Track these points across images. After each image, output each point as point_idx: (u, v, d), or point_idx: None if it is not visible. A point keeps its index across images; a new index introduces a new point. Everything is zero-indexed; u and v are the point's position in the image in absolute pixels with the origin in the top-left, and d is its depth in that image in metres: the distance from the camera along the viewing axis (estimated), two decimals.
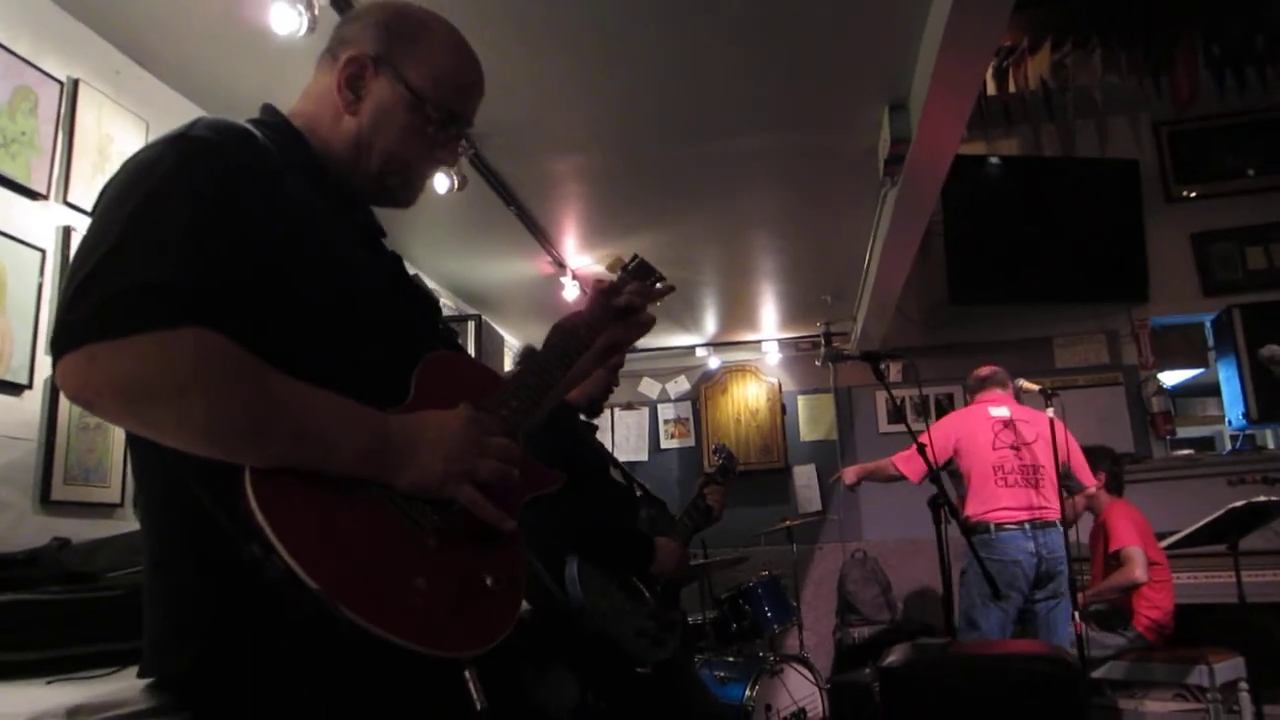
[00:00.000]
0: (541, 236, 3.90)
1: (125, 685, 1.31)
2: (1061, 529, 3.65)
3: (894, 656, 1.89)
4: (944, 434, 3.94)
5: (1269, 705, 3.71)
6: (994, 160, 5.61)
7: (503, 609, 1.04)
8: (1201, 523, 3.39)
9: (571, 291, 4.33)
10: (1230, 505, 3.29)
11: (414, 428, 1.03)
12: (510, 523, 1.09)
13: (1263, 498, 3.33)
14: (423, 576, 0.97)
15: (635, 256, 1.57)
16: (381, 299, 1.17)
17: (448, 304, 4.41)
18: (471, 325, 3.69)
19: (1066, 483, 3.81)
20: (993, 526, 3.68)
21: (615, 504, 2.50)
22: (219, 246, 0.95)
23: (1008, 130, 5.88)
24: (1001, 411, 3.92)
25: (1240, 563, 3.57)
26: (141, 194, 0.97)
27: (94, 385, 0.89)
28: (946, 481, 3.35)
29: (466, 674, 0.96)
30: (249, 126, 1.11)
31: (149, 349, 0.88)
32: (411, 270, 1.38)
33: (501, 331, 4.55)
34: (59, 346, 0.89)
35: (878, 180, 3.20)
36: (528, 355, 2.78)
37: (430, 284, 4.37)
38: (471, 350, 3.63)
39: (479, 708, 0.95)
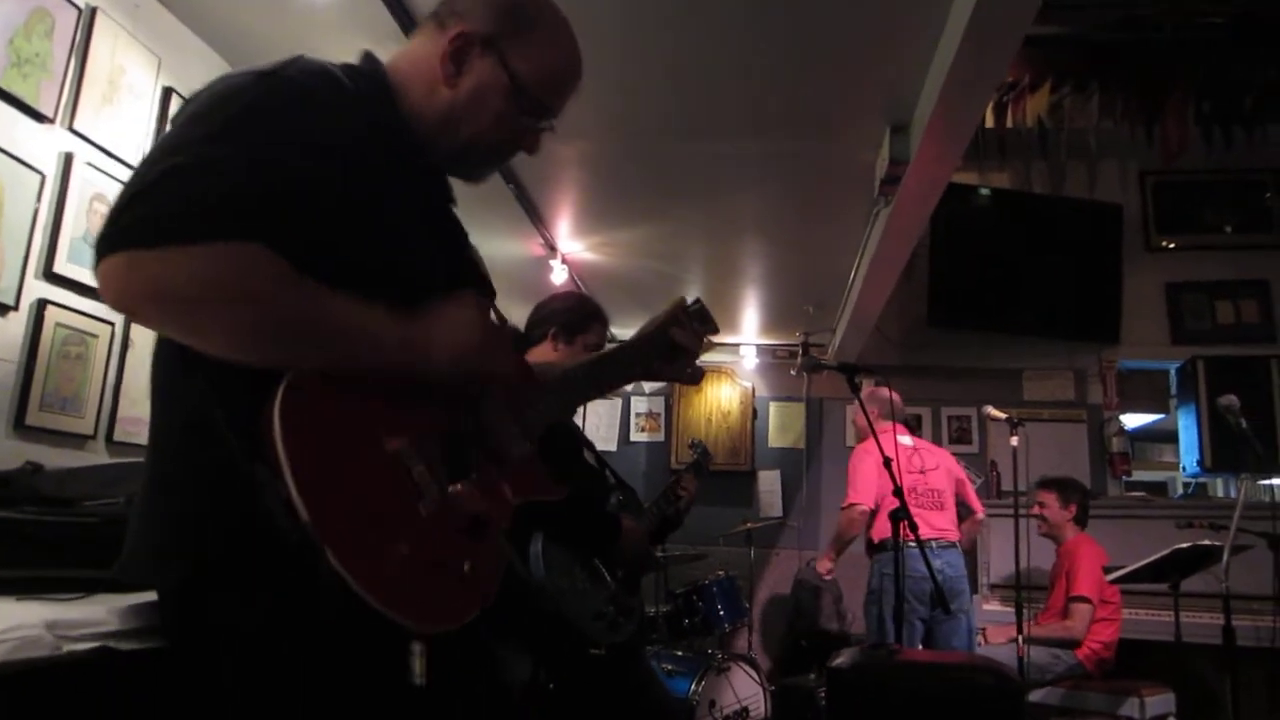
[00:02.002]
0: (536, 218, 3.93)
1: (98, 609, 1.33)
2: (960, 549, 3.96)
3: (842, 659, 1.95)
4: (871, 462, 4.04)
5: None
6: (984, 191, 5.71)
7: (468, 599, 1.05)
8: (1149, 560, 3.49)
9: (560, 275, 4.36)
10: (1176, 546, 3.39)
11: (437, 319, 1.07)
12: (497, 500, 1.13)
13: (1207, 542, 3.43)
14: (408, 543, 0.99)
15: (697, 300, 1.56)
16: (428, 267, 1.18)
17: None
18: None
19: (960, 509, 4.17)
20: (898, 547, 3.84)
21: (586, 485, 2.53)
22: (277, 184, 0.97)
23: (1001, 163, 5.98)
24: (906, 440, 4.13)
25: (1180, 603, 3.68)
26: (220, 119, 0.99)
27: (135, 291, 0.91)
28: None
29: (415, 647, 0.97)
30: (340, 75, 1.12)
31: (195, 257, 0.90)
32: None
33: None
34: (103, 249, 0.90)
35: (871, 198, 3.26)
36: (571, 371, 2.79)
37: None
38: None
39: (417, 682, 0.97)
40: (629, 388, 6.22)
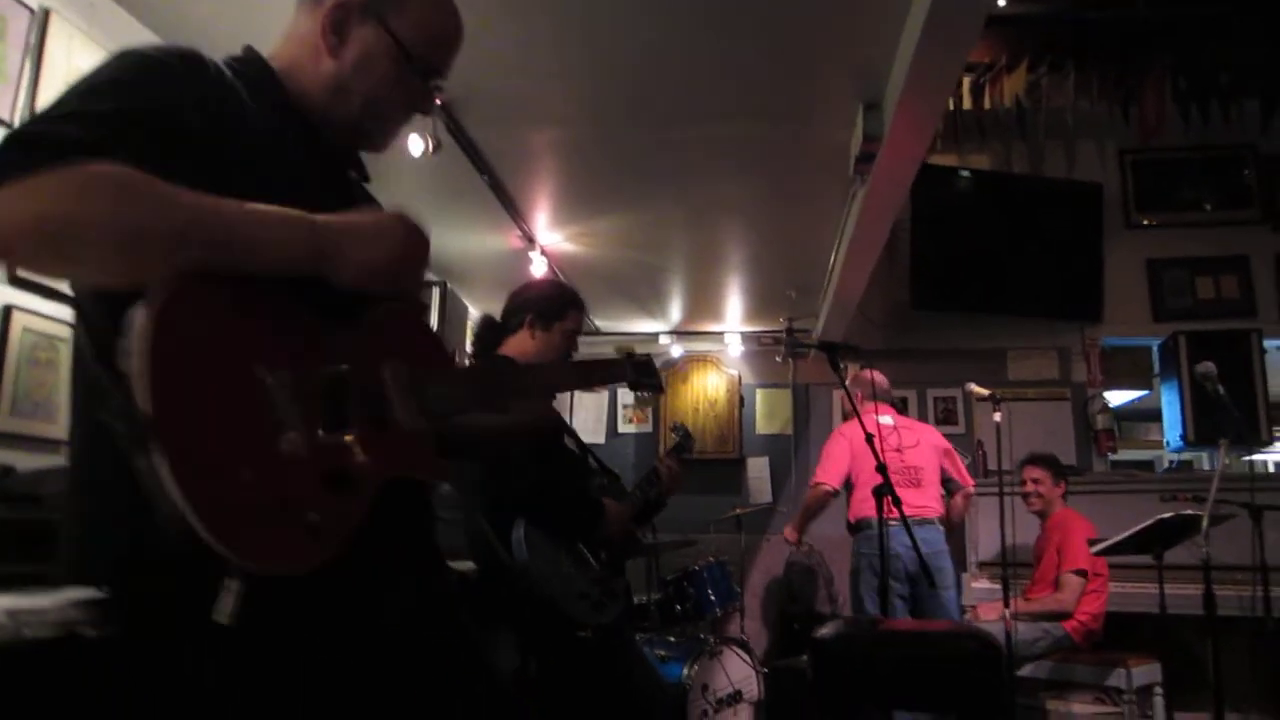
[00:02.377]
0: (512, 209, 3.93)
1: (63, 599, 1.33)
2: (939, 526, 3.97)
3: (826, 630, 1.96)
4: (845, 443, 4.27)
5: (1180, 711, 3.86)
6: (964, 173, 5.73)
7: (307, 551, 0.99)
8: (1133, 530, 3.52)
9: (539, 267, 4.36)
10: (1159, 515, 3.42)
11: (353, 220, 1.05)
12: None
13: (1190, 511, 3.45)
14: (253, 473, 0.95)
15: (647, 356, 1.73)
16: None
17: None
18: (436, 291, 3.70)
19: (948, 485, 4.15)
20: (875, 523, 3.86)
21: (568, 470, 2.54)
22: (134, 133, 0.97)
23: (980, 145, 6.01)
24: (887, 420, 4.14)
25: (1164, 575, 3.71)
26: (83, 83, 1.01)
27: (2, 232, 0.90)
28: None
29: (229, 583, 0.91)
30: (220, 64, 1.14)
31: (49, 183, 0.89)
32: None
33: (466, 301, 4.57)
34: None
35: (848, 178, 3.27)
36: (488, 331, 2.79)
37: None
38: (434, 317, 3.64)
39: (222, 621, 0.91)
40: None
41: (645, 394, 1.75)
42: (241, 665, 1.04)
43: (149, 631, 1.02)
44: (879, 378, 4.33)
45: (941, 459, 4.15)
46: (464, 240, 4.31)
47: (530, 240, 4.29)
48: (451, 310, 3.91)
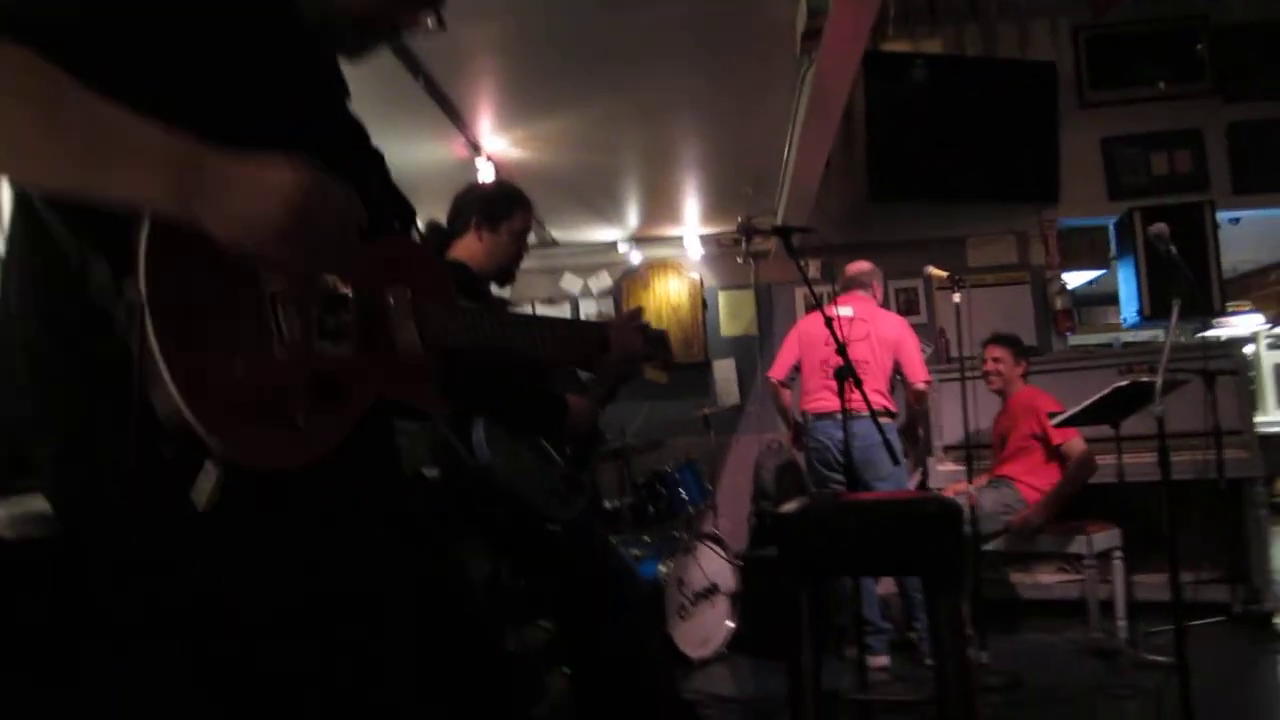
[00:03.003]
0: (454, 114, 3.81)
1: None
2: (877, 419, 3.78)
3: (789, 506, 1.98)
4: (795, 336, 4.28)
5: (1138, 574, 4.01)
6: (917, 60, 5.63)
7: (290, 451, 1.00)
8: (1091, 400, 3.59)
9: (487, 176, 4.25)
10: (1116, 384, 3.48)
11: (240, 166, 0.94)
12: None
13: (1145, 378, 3.52)
14: (246, 368, 0.96)
15: (661, 331, 1.80)
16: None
17: None
18: None
19: (900, 378, 4.07)
20: (810, 415, 3.91)
21: (525, 370, 2.51)
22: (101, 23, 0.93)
23: (932, 30, 5.90)
24: (845, 311, 4.08)
25: (1122, 445, 3.81)
26: None
27: None
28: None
29: (209, 466, 0.91)
30: None
31: None
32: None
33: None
34: None
35: (795, 59, 3.20)
36: (435, 235, 2.72)
37: None
38: None
39: (198, 504, 0.91)
40: (575, 290, 6.18)
41: (657, 365, 1.79)
42: (204, 556, 1.02)
43: (115, 523, 1.00)
44: (852, 266, 4.29)
45: (894, 352, 4.01)
46: (405, 152, 4.17)
47: (476, 148, 4.18)
48: None
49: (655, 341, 1.75)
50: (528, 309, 6.15)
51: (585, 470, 2.48)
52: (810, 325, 4.21)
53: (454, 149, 4.20)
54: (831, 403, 3.88)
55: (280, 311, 1.00)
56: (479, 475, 2.26)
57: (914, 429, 4.38)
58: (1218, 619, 4.19)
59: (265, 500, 1.00)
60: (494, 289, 2.63)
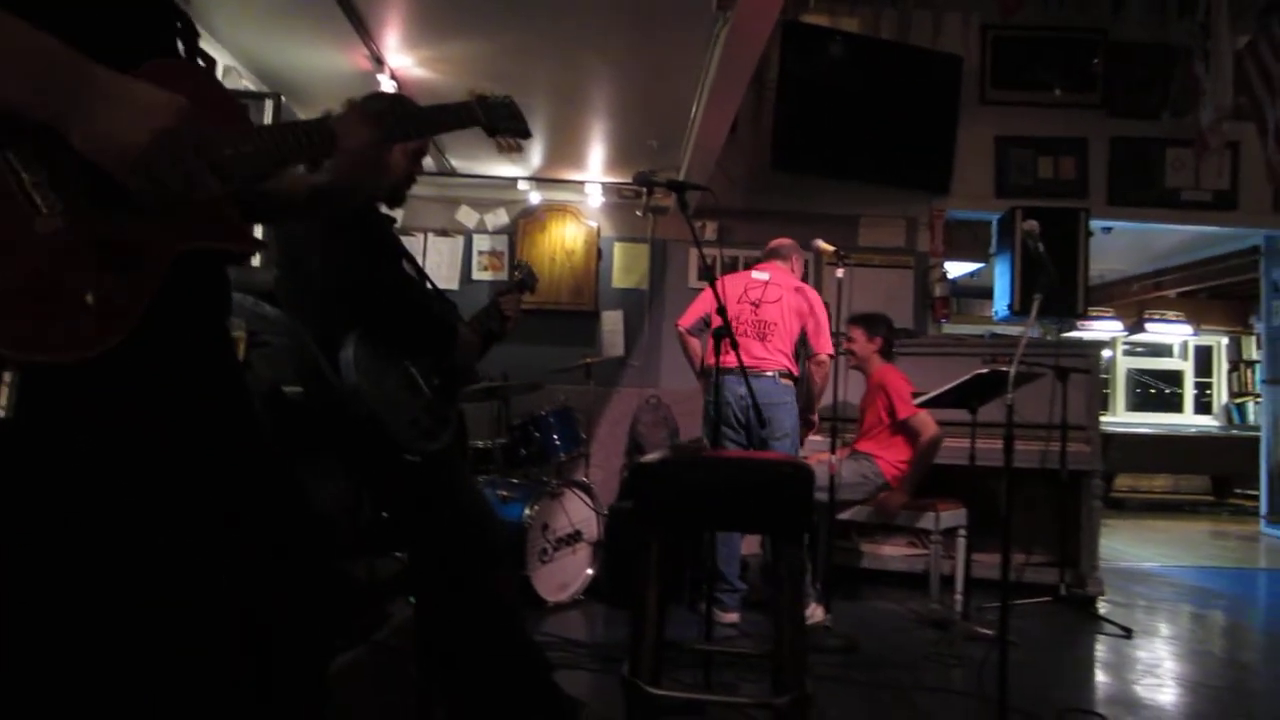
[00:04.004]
0: (359, 24, 3.64)
1: None
2: (780, 380, 3.97)
3: (650, 456, 2.00)
4: (709, 291, 4.19)
5: (978, 553, 4.24)
6: (835, 36, 5.69)
7: (83, 336, 0.94)
8: (951, 384, 3.74)
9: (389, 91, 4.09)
10: (976, 371, 3.64)
11: (126, 85, 0.93)
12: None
13: (1005, 368, 3.69)
14: (4, 256, 0.89)
15: (506, 97, 1.58)
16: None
17: (246, 83, 4.05)
18: (269, 104, 3.42)
19: (803, 348, 4.14)
20: (715, 371, 3.98)
21: (409, 290, 2.45)
22: None
23: (851, 8, 5.98)
24: (762, 275, 4.19)
25: (976, 430, 4.00)
26: None
27: None
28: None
29: (4, 375, 0.88)
30: None
31: None
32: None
33: (304, 118, 4.28)
34: None
35: (712, 15, 3.18)
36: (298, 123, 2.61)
37: (228, 59, 4.00)
38: None
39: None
40: (470, 224, 6.05)
41: (510, 140, 1.63)
42: (22, 456, 0.97)
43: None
44: (776, 240, 4.38)
45: (803, 320, 4.08)
46: (304, 55, 3.97)
47: (379, 61, 4.01)
48: None
49: (496, 110, 1.59)
50: (419, 239, 6.00)
51: (452, 405, 2.44)
52: (726, 284, 4.25)
53: (356, 59, 4.02)
54: (733, 359, 3.95)
55: (28, 182, 0.91)
56: (342, 397, 2.20)
57: (810, 399, 4.47)
58: (1045, 599, 4.49)
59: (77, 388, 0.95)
60: (383, 209, 2.55)
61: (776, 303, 4.08)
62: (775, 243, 4.37)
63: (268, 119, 3.41)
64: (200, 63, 1.29)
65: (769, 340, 4.03)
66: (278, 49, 3.92)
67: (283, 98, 3.77)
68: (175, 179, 0.98)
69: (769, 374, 3.98)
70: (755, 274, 4.22)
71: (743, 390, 3.90)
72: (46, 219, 0.91)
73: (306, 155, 1.25)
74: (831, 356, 4.16)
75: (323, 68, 4.07)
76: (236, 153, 1.11)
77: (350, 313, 2.24)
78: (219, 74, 3.96)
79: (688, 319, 4.19)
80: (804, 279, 4.41)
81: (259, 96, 3.52)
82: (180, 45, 1.21)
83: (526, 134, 1.63)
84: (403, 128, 1.42)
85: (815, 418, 4.35)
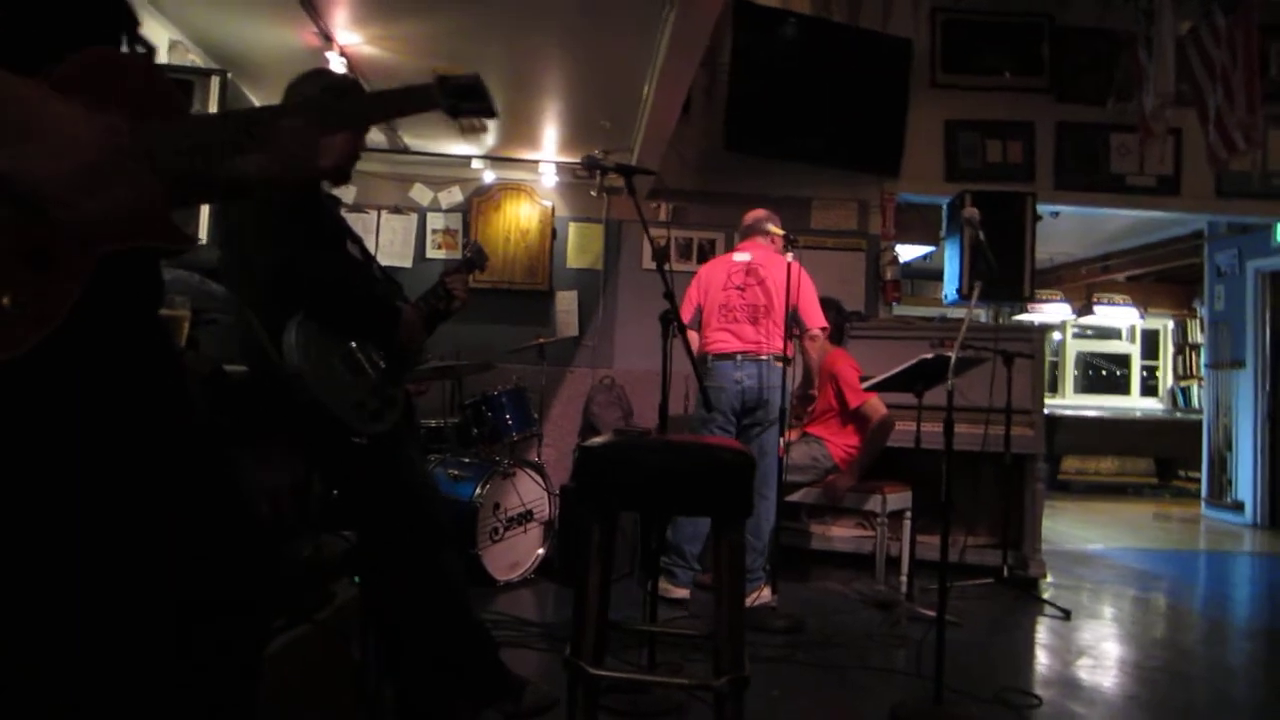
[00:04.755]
0: (306, 1, 3.57)
1: None
2: (774, 363, 3.96)
3: (596, 439, 2.01)
4: (697, 280, 4.27)
5: (923, 535, 4.34)
6: (789, 18, 5.70)
7: (4, 335, 0.92)
8: (897, 369, 3.80)
9: (338, 69, 4.03)
10: (921, 357, 3.70)
11: (43, 114, 0.90)
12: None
13: (948, 354, 3.75)
14: None
15: (472, 76, 1.44)
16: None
17: (193, 58, 3.97)
18: (215, 82, 3.34)
19: (795, 325, 4.11)
20: (710, 357, 4.02)
21: (353, 271, 2.43)
22: None
23: None
24: (744, 257, 4.17)
25: (922, 414, 4.07)
26: None
27: None
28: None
29: None
30: None
31: None
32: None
33: (252, 97, 4.19)
34: None
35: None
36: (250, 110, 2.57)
37: (175, 33, 3.91)
38: (213, 108, 3.32)
39: None
40: (424, 202, 5.99)
41: (473, 121, 1.57)
42: None
43: None
44: (749, 214, 4.29)
45: (793, 298, 3.99)
46: (251, 31, 3.89)
47: (328, 38, 3.94)
48: (233, 105, 3.57)
49: (459, 91, 1.56)
50: (373, 216, 5.93)
51: (398, 386, 2.43)
52: (710, 270, 4.24)
53: (304, 37, 3.94)
54: (731, 344, 4.01)
55: None
56: (286, 380, 2.18)
57: (809, 375, 4.49)
58: (988, 580, 4.59)
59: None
60: (328, 187, 2.51)
61: (762, 284, 4.05)
62: (750, 218, 4.29)
63: (214, 96, 3.34)
64: (139, 49, 1.26)
65: (760, 323, 4.01)
66: (225, 25, 3.84)
67: (229, 75, 3.68)
68: (93, 209, 0.96)
69: (764, 357, 3.97)
70: (736, 256, 4.20)
71: (739, 375, 3.93)
72: None
73: (243, 151, 1.22)
74: (824, 330, 4.15)
75: (270, 45, 3.99)
76: (175, 151, 1.09)
77: (292, 297, 2.22)
78: (164, 48, 3.87)
79: (686, 315, 4.07)
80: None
81: (205, 73, 3.44)
82: (118, 32, 1.19)
83: (492, 113, 1.57)
84: (351, 119, 1.38)
85: (814, 392, 4.42)
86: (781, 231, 4.01)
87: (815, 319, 4.11)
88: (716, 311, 4.10)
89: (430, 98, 1.43)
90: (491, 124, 5.29)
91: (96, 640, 1.14)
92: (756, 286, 4.06)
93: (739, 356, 3.98)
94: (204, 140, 1.15)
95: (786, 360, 3.96)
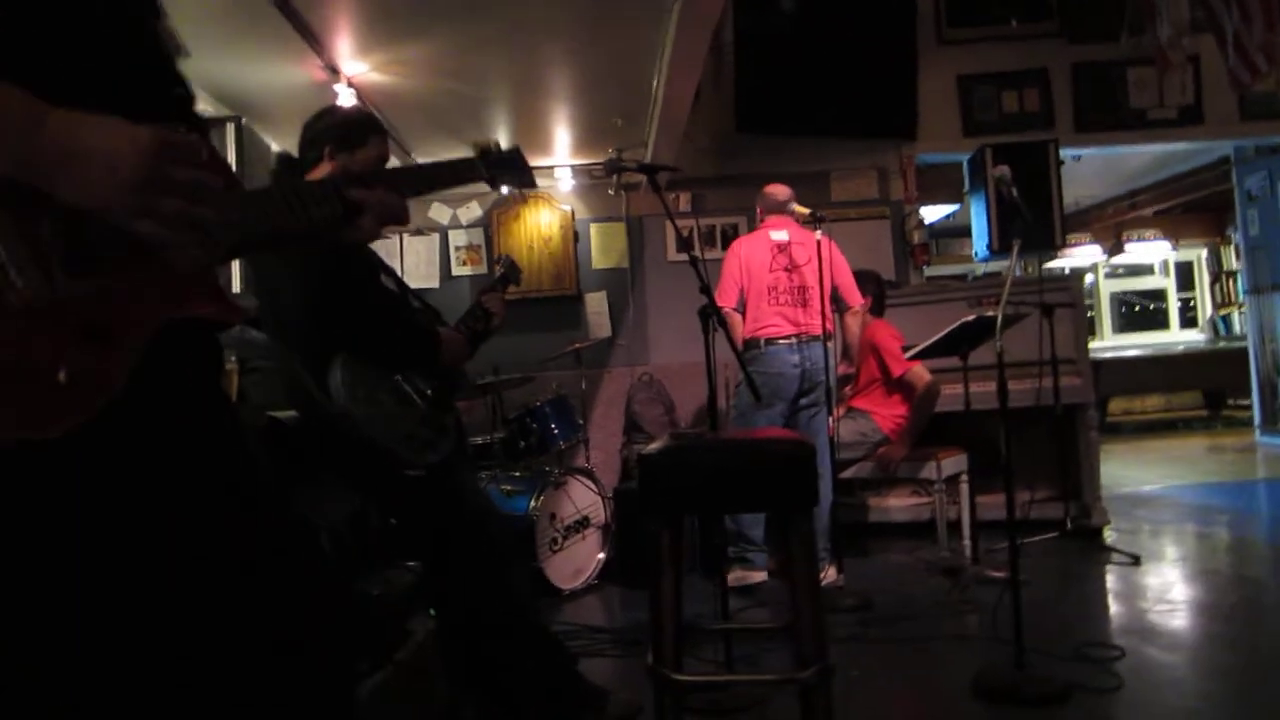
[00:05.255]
0: (309, 35, 3.58)
1: None
2: (824, 344, 3.93)
3: (653, 445, 2.00)
4: (736, 262, 4.10)
5: (982, 495, 4.29)
6: None
7: (52, 413, 0.91)
8: (938, 335, 3.76)
9: (347, 102, 4.05)
10: (963, 319, 3.66)
11: (79, 127, 0.89)
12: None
13: (990, 313, 3.70)
14: None
15: (514, 148, 1.64)
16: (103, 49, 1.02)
17: (205, 107, 4.00)
18: (231, 128, 3.37)
19: (835, 303, 4.09)
20: (763, 342, 3.96)
21: (389, 304, 2.44)
22: None
23: None
24: (781, 235, 4.11)
25: (969, 375, 4.03)
26: None
27: None
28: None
29: None
30: None
31: None
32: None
33: (267, 139, 4.21)
34: None
35: None
36: (287, 168, 2.58)
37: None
38: (231, 156, 3.34)
39: None
40: (444, 221, 6.01)
41: (515, 191, 1.68)
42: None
43: None
44: (778, 190, 4.21)
45: (832, 276, 3.95)
46: (259, 74, 3.91)
47: (334, 71, 3.96)
48: (250, 148, 3.60)
49: (501, 163, 1.60)
50: (394, 241, 5.96)
51: (448, 412, 2.44)
52: (750, 250, 4.09)
53: (311, 71, 3.96)
54: (784, 328, 3.96)
55: (1, 254, 0.88)
56: (335, 420, 2.19)
57: (850, 352, 4.46)
58: (1053, 535, 4.54)
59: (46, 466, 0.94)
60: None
61: (808, 264, 3.96)
62: (781, 194, 4.17)
63: (230, 142, 3.36)
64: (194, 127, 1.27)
65: (809, 304, 3.96)
66: (232, 69, 3.86)
67: (243, 120, 3.71)
68: (172, 217, 0.96)
69: (818, 339, 3.94)
70: (774, 234, 4.09)
71: (797, 358, 3.90)
72: (20, 292, 0.89)
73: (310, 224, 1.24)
74: (864, 304, 4.11)
75: (278, 84, 4.01)
76: (240, 217, 1.10)
77: (333, 337, 2.23)
78: None
79: (730, 298, 3.99)
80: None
81: (220, 121, 3.46)
82: (179, 109, 1.20)
83: (531, 184, 1.66)
84: (403, 191, 1.41)
85: (852, 369, 4.40)
86: (806, 210, 3.96)
87: (855, 296, 4.09)
88: (765, 294, 4.01)
89: (473, 171, 1.51)
90: (503, 133, 5.29)
91: (195, 700, 1.15)
92: (803, 267, 4.00)
93: (795, 339, 3.94)
94: (265, 214, 1.17)
95: (829, 337, 3.94)
